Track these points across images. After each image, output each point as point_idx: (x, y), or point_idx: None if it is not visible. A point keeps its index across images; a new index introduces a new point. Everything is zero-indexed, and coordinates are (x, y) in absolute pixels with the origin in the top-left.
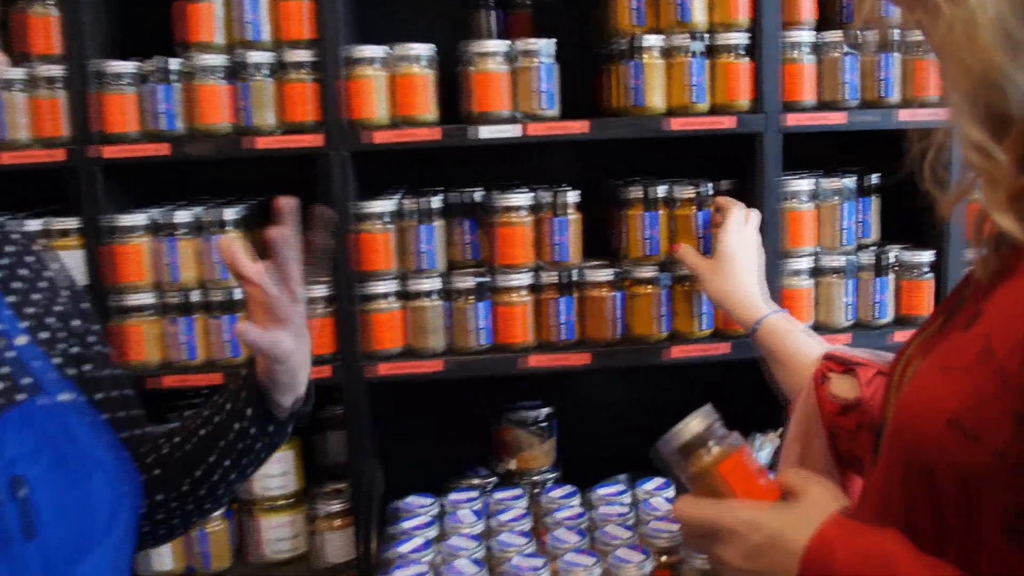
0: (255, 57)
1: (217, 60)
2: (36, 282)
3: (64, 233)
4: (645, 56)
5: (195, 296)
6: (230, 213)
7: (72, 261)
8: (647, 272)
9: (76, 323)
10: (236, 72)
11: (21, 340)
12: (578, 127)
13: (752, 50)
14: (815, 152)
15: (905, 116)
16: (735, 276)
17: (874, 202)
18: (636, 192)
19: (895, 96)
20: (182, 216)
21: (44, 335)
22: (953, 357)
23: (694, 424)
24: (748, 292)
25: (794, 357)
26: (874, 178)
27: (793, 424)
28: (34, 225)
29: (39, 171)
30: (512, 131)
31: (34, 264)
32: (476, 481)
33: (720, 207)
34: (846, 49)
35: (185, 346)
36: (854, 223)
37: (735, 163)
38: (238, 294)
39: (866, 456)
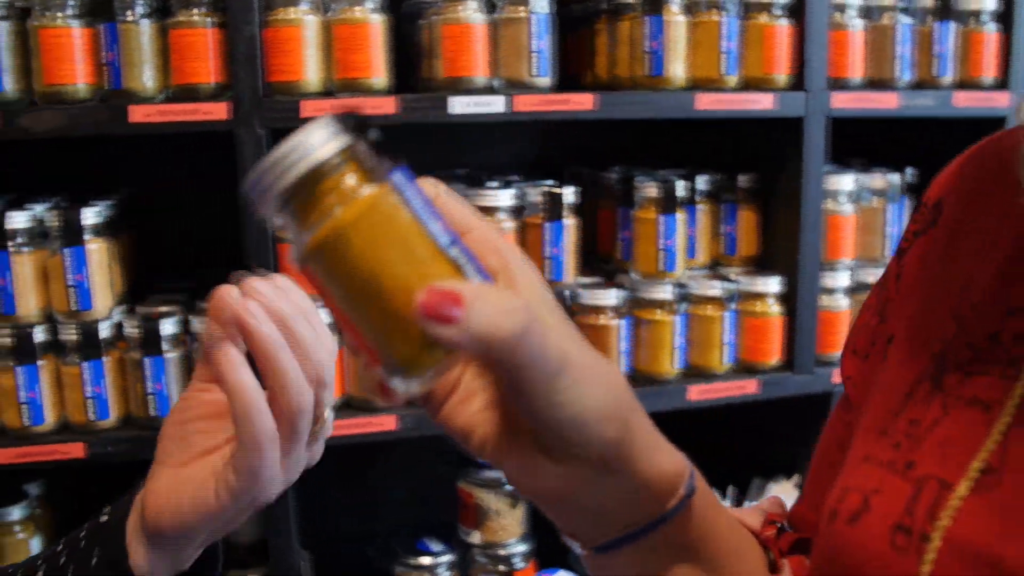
0: None
1: None
2: None
3: None
4: (669, 11)
5: (39, 334)
6: (89, 215)
7: None
8: (662, 293)
9: None
10: (100, 9)
11: None
12: (580, 102)
13: (796, 9)
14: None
15: (962, 101)
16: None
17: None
18: (650, 189)
19: (949, 75)
20: (18, 219)
21: None
22: None
23: (321, 137)
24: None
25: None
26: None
27: None
28: None
29: None
30: (494, 105)
31: None
32: (426, 561)
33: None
34: (898, 15)
35: (27, 405)
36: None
37: (754, 151)
38: (104, 330)
39: None
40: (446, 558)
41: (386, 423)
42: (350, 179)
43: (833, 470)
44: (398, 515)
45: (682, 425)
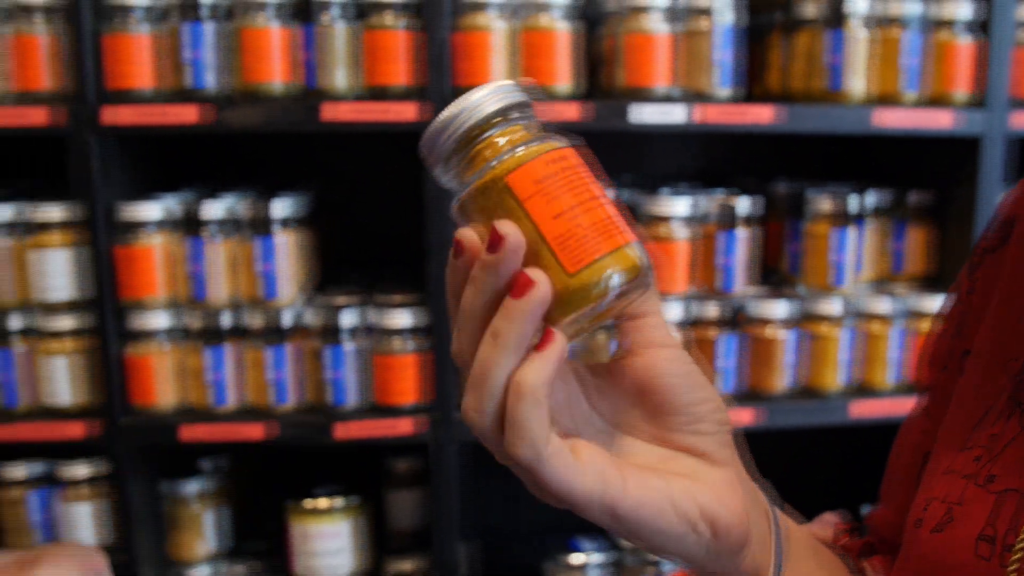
0: None
1: None
2: None
3: (44, 227)
4: (850, 25)
5: (226, 319)
6: (279, 207)
7: (57, 264)
8: (831, 307)
9: None
10: (299, 11)
11: None
12: (759, 114)
13: (981, 25)
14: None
15: None
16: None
17: None
18: (822, 202)
19: None
20: (212, 209)
21: None
22: None
23: (490, 94)
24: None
25: None
26: None
27: None
28: (3, 213)
29: (12, 139)
30: (676, 114)
31: None
32: (577, 560)
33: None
34: None
35: (212, 386)
36: None
37: (927, 168)
38: (286, 318)
39: None
40: (597, 558)
41: None
42: (511, 135)
43: (910, 476)
44: (552, 512)
45: (842, 441)
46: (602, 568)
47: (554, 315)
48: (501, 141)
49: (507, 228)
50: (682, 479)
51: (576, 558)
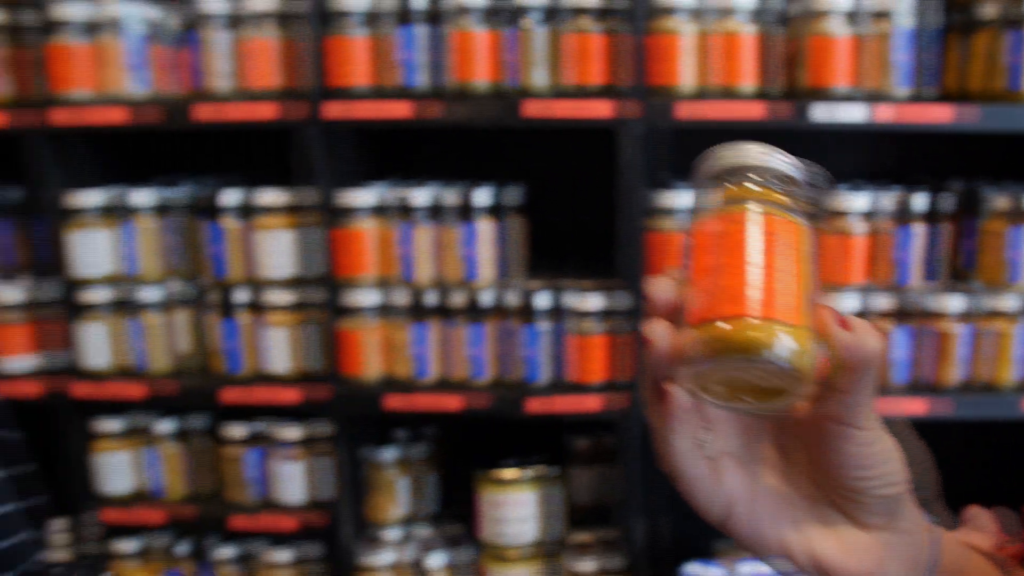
0: None
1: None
2: None
3: (269, 211)
4: None
5: (431, 298)
6: (481, 196)
7: (279, 244)
8: (1006, 303)
9: None
10: (501, 16)
11: None
12: (939, 114)
13: None
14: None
15: None
16: None
17: None
18: (999, 200)
19: None
20: (420, 196)
21: None
22: None
23: (781, 156)
24: None
25: None
26: None
27: None
28: (232, 197)
29: (240, 131)
30: (855, 114)
31: None
32: None
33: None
34: None
35: (415, 360)
36: None
37: None
38: (485, 298)
39: None
40: None
41: None
42: (768, 192)
43: None
44: None
45: (1012, 435)
46: None
47: (677, 366)
48: (755, 188)
49: (654, 331)
50: (814, 527)
51: None
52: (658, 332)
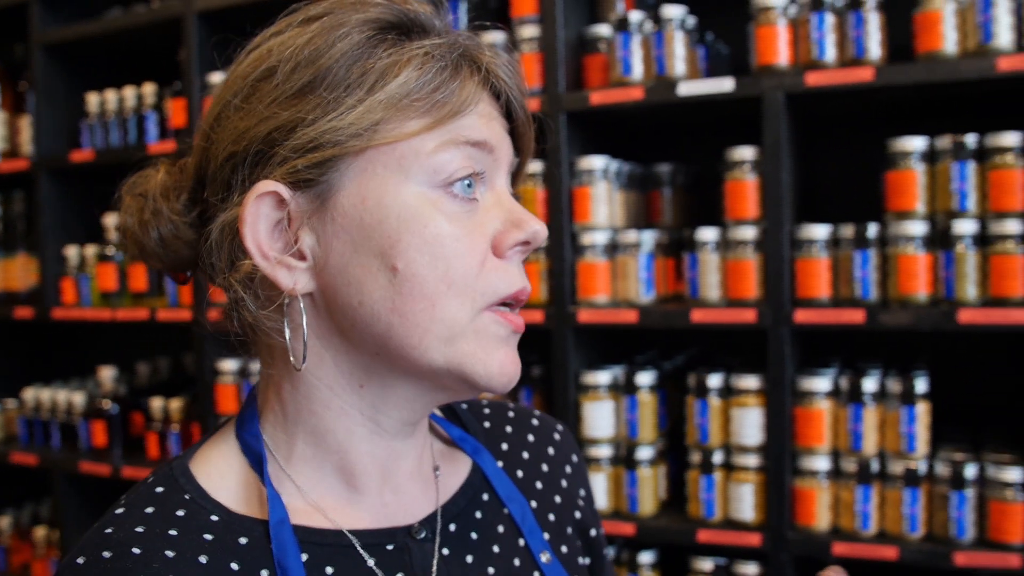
0: (960, 227)
1: (918, 228)
2: (550, 474)
3: (743, 391)
4: None
5: (874, 464)
6: (920, 384)
7: (747, 419)
8: None
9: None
10: (938, 241)
11: (545, 557)
12: None
13: None
14: None
15: None
16: None
17: None
18: None
19: None
20: (870, 384)
21: (564, 548)
22: None
23: None
24: None
25: None
26: None
27: None
28: (716, 381)
29: (723, 332)
30: None
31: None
32: None
33: None
34: None
35: (859, 516)
36: None
37: None
38: (921, 468)
39: None
40: None
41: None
42: None
43: None
44: None
45: None
46: None
47: None
48: None
49: None
50: None
51: None
52: None
